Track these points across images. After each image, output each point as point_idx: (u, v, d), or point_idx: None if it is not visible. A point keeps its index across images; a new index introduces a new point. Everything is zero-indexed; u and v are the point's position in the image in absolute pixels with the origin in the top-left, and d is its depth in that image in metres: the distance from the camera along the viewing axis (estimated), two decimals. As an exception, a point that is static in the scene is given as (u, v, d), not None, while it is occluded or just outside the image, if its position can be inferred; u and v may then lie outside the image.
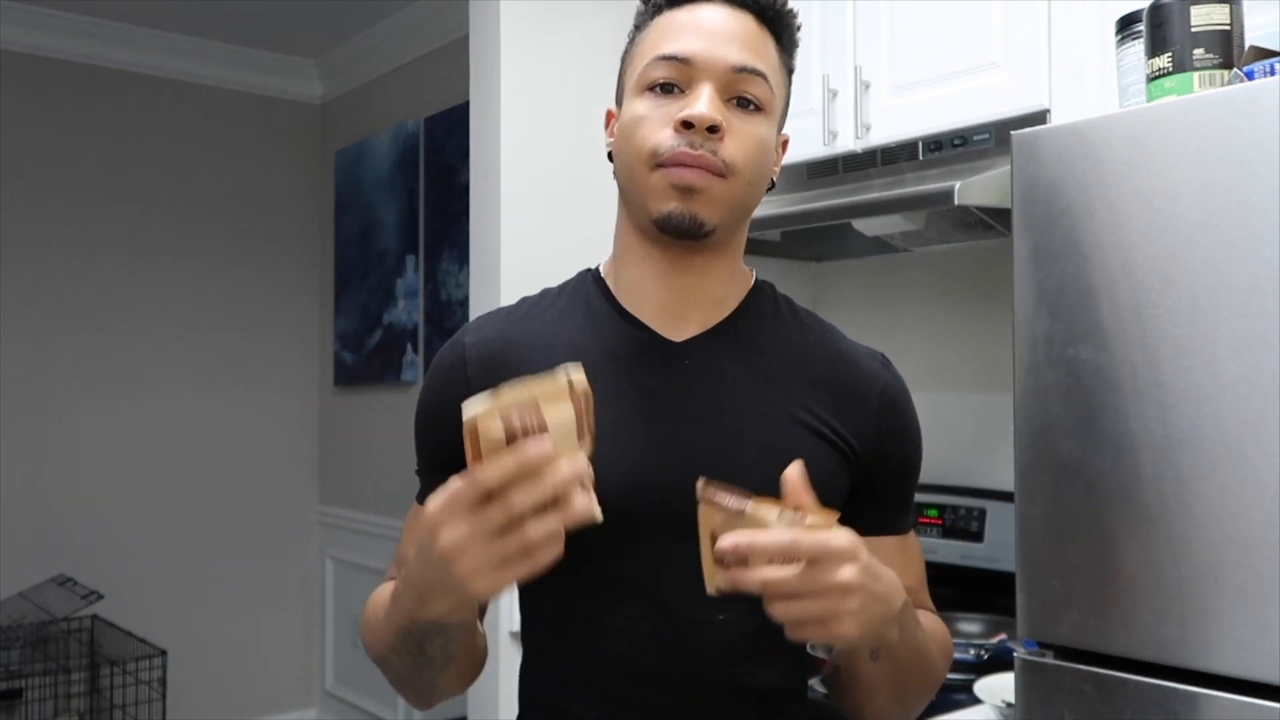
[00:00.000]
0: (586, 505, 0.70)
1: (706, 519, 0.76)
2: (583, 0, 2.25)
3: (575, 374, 0.71)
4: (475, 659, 0.94)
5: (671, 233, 0.91)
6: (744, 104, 0.91)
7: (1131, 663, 1.08)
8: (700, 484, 0.77)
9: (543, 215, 2.20)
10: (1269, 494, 0.98)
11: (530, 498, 0.68)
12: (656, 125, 0.90)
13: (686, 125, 0.88)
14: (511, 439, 0.68)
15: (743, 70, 0.91)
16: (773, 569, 0.72)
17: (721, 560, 0.73)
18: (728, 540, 0.73)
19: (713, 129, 0.88)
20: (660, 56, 0.91)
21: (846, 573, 0.74)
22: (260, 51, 3.92)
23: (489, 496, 0.68)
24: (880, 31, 1.88)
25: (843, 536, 0.75)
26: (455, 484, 0.69)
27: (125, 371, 3.68)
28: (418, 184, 3.61)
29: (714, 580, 0.75)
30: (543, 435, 0.68)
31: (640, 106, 0.92)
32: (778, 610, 0.74)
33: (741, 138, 0.90)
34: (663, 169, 0.89)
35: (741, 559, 0.73)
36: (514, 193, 2.19)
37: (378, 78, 3.85)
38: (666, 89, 0.91)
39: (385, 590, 0.97)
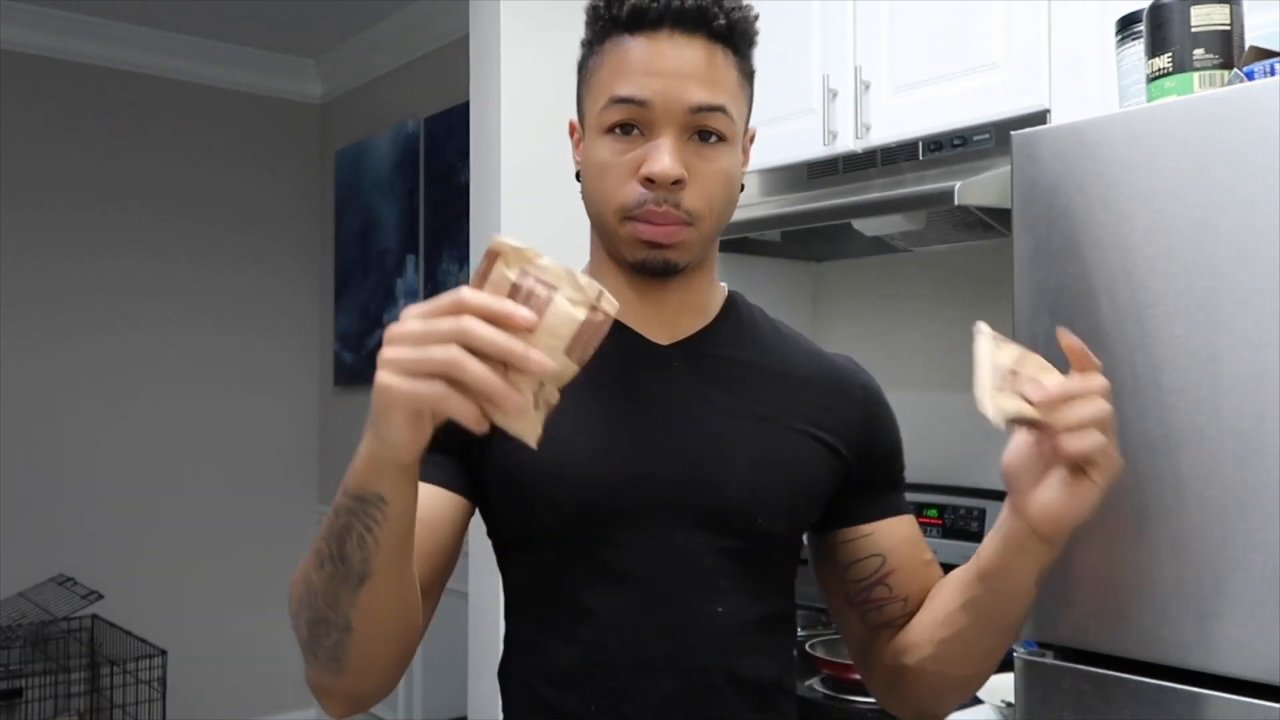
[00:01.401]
0: (511, 391, 0.65)
1: (987, 352, 0.84)
2: (583, 0, 2.24)
3: (607, 299, 0.68)
4: (401, 614, 0.82)
5: (645, 274, 0.94)
6: (705, 136, 0.91)
7: (1131, 663, 1.08)
8: (982, 326, 0.85)
9: (543, 215, 2.20)
10: (1269, 494, 0.98)
11: (484, 335, 0.64)
12: (622, 177, 0.90)
13: (650, 180, 0.89)
14: (514, 294, 0.66)
15: (701, 109, 0.90)
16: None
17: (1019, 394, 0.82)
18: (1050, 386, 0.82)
19: (675, 182, 0.89)
20: (616, 99, 0.90)
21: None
22: (260, 51, 3.92)
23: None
24: (880, 31, 1.88)
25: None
26: (434, 299, 0.67)
27: (125, 371, 3.68)
28: (418, 184, 3.61)
29: (996, 403, 0.82)
30: (538, 314, 0.66)
31: (603, 151, 0.92)
32: (1074, 439, 0.81)
33: (704, 180, 0.91)
34: (631, 222, 0.90)
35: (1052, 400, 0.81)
36: (514, 193, 2.19)
37: (378, 78, 3.85)
38: (626, 129, 0.90)
39: None
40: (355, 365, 3.89)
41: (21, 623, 3.23)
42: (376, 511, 0.74)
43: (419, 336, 0.66)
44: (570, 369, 0.68)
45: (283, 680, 3.98)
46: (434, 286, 3.48)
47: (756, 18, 0.96)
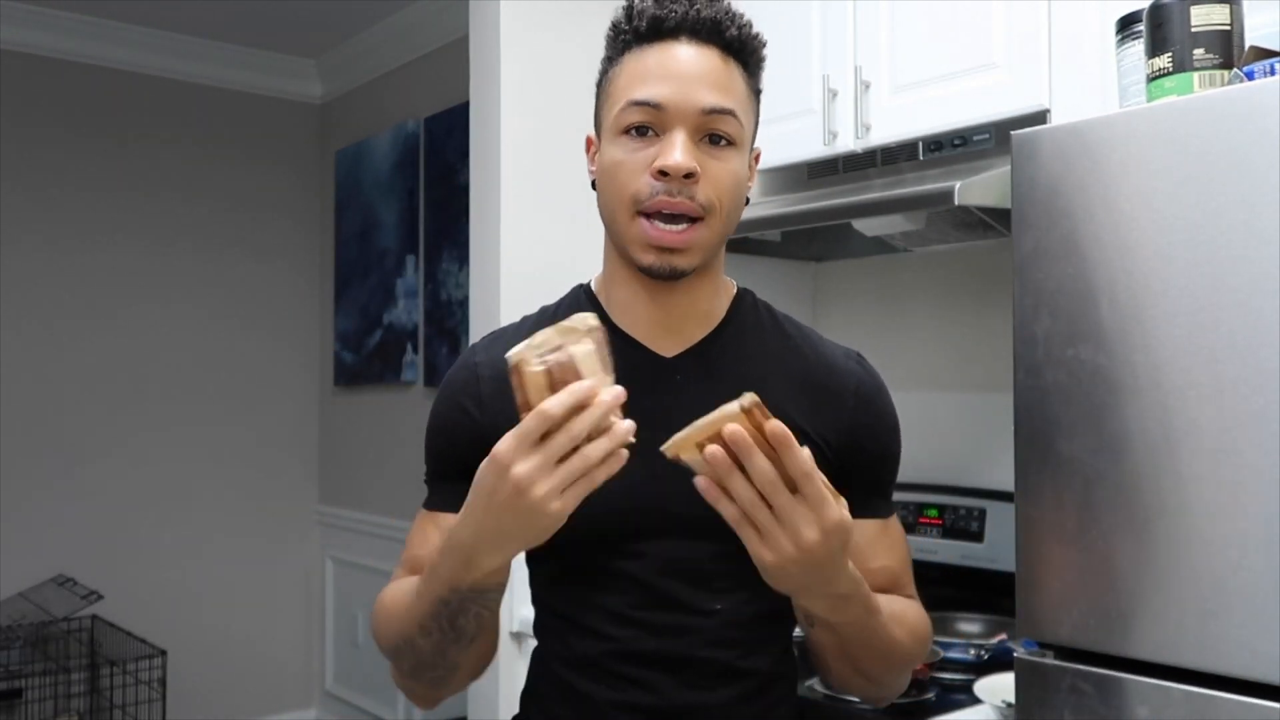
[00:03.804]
0: (628, 426, 0.79)
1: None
2: (583, 0, 2.25)
3: (590, 320, 0.81)
4: (494, 640, 1.01)
5: (653, 278, 0.98)
6: (716, 140, 0.96)
7: (1131, 663, 1.08)
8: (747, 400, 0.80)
9: (543, 215, 2.20)
10: (1269, 494, 0.98)
11: (586, 425, 0.77)
12: (635, 171, 0.95)
13: (663, 173, 0.93)
14: (550, 379, 0.78)
15: (713, 111, 0.95)
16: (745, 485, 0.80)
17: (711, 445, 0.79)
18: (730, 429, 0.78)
19: (688, 175, 0.93)
20: (633, 102, 0.96)
21: (809, 533, 0.81)
22: (260, 51, 3.92)
23: (549, 431, 0.77)
24: (880, 31, 1.88)
25: (834, 511, 0.82)
26: (522, 424, 0.78)
27: (125, 371, 3.68)
28: (418, 184, 3.61)
29: (678, 449, 0.80)
30: (581, 378, 0.78)
31: (617, 151, 0.97)
32: (723, 506, 0.81)
33: (716, 177, 0.96)
34: (643, 218, 0.95)
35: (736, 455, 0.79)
36: (514, 193, 2.19)
37: (378, 78, 3.84)
38: (641, 131, 0.96)
39: (403, 583, 1.02)
40: (355, 365, 3.89)
41: (21, 623, 3.23)
42: (496, 595, 0.91)
43: (545, 463, 0.78)
44: (611, 377, 0.81)
45: (283, 680, 3.98)
46: (434, 286, 3.48)
47: (764, 45, 1.02)
